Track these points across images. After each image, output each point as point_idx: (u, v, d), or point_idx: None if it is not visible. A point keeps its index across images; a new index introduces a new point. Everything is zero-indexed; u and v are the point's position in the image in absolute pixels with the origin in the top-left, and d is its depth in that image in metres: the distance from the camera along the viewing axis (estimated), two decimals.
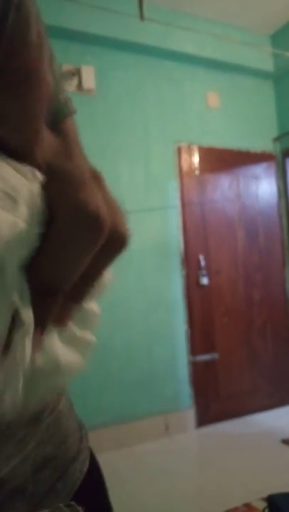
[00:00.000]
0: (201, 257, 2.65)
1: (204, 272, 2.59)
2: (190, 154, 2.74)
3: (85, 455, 0.40)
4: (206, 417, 2.57)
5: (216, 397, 2.67)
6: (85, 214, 0.19)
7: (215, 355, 2.68)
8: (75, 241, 0.19)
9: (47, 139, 0.22)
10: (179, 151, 2.71)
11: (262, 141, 3.02)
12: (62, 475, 0.36)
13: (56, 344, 0.21)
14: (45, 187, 0.20)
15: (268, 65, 2.96)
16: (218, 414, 2.64)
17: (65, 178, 0.20)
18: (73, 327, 0.23)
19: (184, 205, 2.67)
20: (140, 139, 2.60)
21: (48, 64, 0.23)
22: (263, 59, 2.93)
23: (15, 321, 0.18)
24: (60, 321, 0.22)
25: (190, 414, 2.58)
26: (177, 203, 2.67)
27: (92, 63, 2.48)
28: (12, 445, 0.30)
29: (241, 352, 2.81)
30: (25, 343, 0.19)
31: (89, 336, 0.24)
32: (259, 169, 2.99)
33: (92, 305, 0.25)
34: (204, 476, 2.00)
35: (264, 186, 3.01)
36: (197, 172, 2.75)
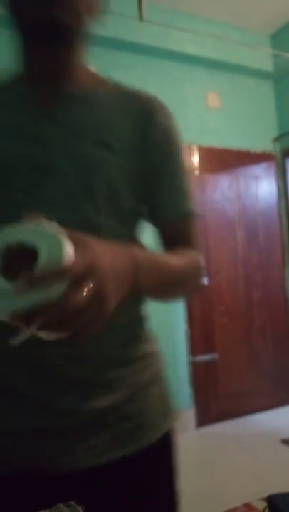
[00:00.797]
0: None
1: (204, 271, 2.59)
2: (190, 154, 2.74)
3: (170, 423, 0.57)
4: (205, 417, 2.57)
5: (216, 397, 2.67)
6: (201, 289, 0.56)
7: (215, 355, 2.68)
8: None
9: None
10: None
11: (262, 141, 3.02)
12: (142, 423, 0.50)
13: None
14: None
15: (267, 65, 2.96)
16: (218, 414, 2.64)
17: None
18: None
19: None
20: None
21: None
22: (262, 59, 2.93)
23: None
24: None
25: (190, 414, 2.58)
26: None
27: (91, 63, 2.47)
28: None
29: (241, 352, 2.81)
30: None
31: None
32: (259, 169, 2.99)
33: None
34: (204, 476, 2.00)
35: (264, 186, 3.01)
36: (197, 172, 2.75)
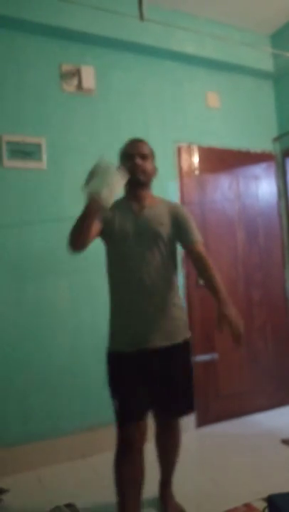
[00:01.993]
0: None
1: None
2: (190, 154, 2.74)
3: (188, 335, 1.58)
4: (205, 417, 2.57)
5: (216, 398, 2.67)
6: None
7: (215, 356, 2.68)
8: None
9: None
10: (179, 151, 2.71)
11: (262, 141, 3.02)
12: (177, 332, 1.54)
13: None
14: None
15: (267, 65, 2.96)
16: (218, 415, 2.64)
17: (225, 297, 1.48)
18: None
19: (184, 205, 2.67)
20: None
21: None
22: (262, 59, 2.94)
23: None
24: None
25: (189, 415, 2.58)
26: (178, 202, 2.67)
27: (92, 63, 2.48)
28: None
29: (241, 352, 2.82)
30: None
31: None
32: (259, 169, 3.00)
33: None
34: (204, 476, 2.00)
35: (264, 186, 3.01)
36: (197, 172, 2.76)
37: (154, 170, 1.62)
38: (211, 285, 1.49)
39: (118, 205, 1.54)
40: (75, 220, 1.41)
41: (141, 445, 1.47)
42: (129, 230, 1.51)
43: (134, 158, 1.54)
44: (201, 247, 1.58)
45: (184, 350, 1.55)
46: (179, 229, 1.57)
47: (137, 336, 1.48)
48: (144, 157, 1.56)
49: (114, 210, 1.50)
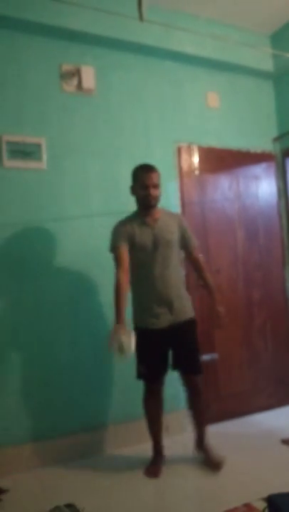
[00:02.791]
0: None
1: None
2: (190, 154, 2.75)
3: (193, 314, 2.09)
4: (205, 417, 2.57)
5: (216, 397, 2.67)
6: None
7: (215, 356, 2.69)
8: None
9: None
10: (179, 151, 2.72)
11: (262, 141, 3.03)
12: (184, 311, 2.05)
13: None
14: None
15: (267, 65, 2.97)
16: (217, 414, 2.64)
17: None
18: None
19: (184, 205, 2.68)
20: (140, 139, 2.61)
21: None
22: (262, 59, 2.94)
23: None
24: None
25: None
26: (177, 202, 2.68)
27: (92, 63, 2.49)
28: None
29: (241, 352, 2.82)
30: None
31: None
32: (259, 169, 3.01)
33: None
34: (204, 475, 2.00)
35: (264, 186, 3.02)
36: (197, 172, 2.77)
37: (160, 191, 2.06)
38: (206, 285, 2.16)
39: (134, 221, 2.03)
40: (117, 291, 1.94)
41: (160, 392, 2.11)
42: (147, 241, 1.98)
43: (149, 190, 1.98)
44: (197, 252, 2.15)
45: (192, 324, 2.08)
46: (183, 236, 2.08)
47: (159, 317, 2.00)
48: (155, 186, 1.99)
49: (132, 226, 2.00)
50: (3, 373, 2.17)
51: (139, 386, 2.48)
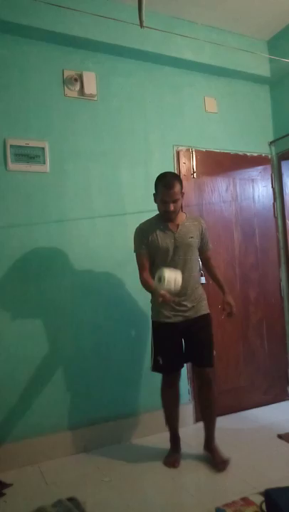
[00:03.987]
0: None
1: (202, 271, 2.65)
2: (188, 158, 2.80)
3: (207, 311, 2.17)
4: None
5: None
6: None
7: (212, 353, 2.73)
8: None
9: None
10: (178, 154, 2.77)
11: (258, 145, 3.07)
12: (200, 308, 2.13)
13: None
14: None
15: (264, 70, 3.00)
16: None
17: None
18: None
19: (182, 207, 2.72)
20: (140, 143, 2.65)
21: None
22: (259, 64, 2.97)
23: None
24: None
25: (188, 410, 2.64)
26: None
27: (93, 69, 2.53)
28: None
29: (238, 349, 2.88)
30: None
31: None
32: (255, 172, 3.06)
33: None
34: (202, 470, 2.03)
35: (260, 188, 3.07)
36: (195, 175, 2.81)
37: (182, 198, 2.12)
38: (217, 279, 2.29)
39: (157, 226, 2.10)
40: (144, 284, 2.08)
41: (177, 383, 2.21)
42: (169, 245, 2.07)
43: (169, 206, 2.03)
44: (211, 254, 2.31)
45: (207, 319, 2.17)
46: (201, 240, 2.19)
47: (177, 312, 2.09)
48: (175, 201, 2.04)
49: (153, 230, 2.09)
50: (7, 370, 2.21)
51: (140, 382, 2.53)
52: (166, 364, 2.11)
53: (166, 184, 2.02)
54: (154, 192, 2.11)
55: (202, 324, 2.12)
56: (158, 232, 2.08)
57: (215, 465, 2.05)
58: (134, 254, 2.13)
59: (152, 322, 2.16)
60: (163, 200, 2.04)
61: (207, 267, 2.32)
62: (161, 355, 2.10)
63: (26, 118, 2.34)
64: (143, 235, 2.10)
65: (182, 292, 2.03)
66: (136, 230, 2.14)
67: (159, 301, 1.91)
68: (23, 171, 2.30)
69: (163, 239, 2.07)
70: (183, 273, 2.01)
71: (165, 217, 2.09)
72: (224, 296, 2.21)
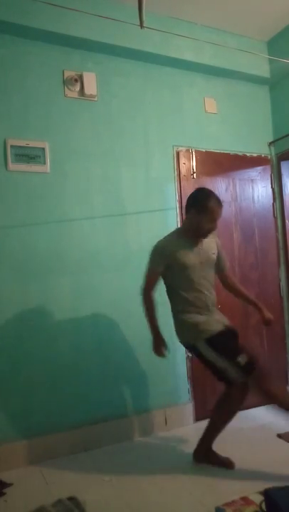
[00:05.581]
0: None
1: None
2: (188, 158, 2.81)
3: (225, 322, 2.07)
4: (203, 411, 2.62)
5: (214, 392, 2.69)
6: None
7: None
8: None
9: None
10: (178, 155, 2.78)
11: (258, 146, 3.08)
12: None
13: None
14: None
15: (264, 71, 3.01)
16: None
17: None
18: None
19: (182, 207, 2.73)
20: (140, 144, 2.66)
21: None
22: (259, 65, 2.98)
23: None
24: None
25: (188, 409, 2.64)
26: (176, 204, 2.73)
27: (93, 70, 2.54)
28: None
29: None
30: None
31: None
32: (255, 172, 3.06)
33: None
34: (202, 469, 2.03)
35: (260, 189, 3.08)
36: (195, 175, 2.82)
37: None
38: (248, 299, 2.24)
39: (181, 243, 2.03)
40: (148, 307, 2.06)
41: None
42: (195, 261, 2.02)
43: (216, 224, 2.03)
44: (229, 272, 2.28)
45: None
46: (219, 256, 2.16)
47: (215, 320, 2.04)
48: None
49: (181, 248, 2.01)
50: (7, 370, 2.21)
51: (140, 381, 2.52)
52: (249, 360, 1.90)
53: (219, 202, 2.00)
54: (194, 206, 2.01)
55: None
56: (185, 250, 2.01)
57: (225, 464, 2.03)
58: (147, 269, 2.05)
59: (207, 340, 1.95)
60: (213, 218, 1.99)
61: (229, 286, 2.24)
62: (240, 354, 1.90)
63: (27, 118, 2.34)
64: (165, 253, 2.01)
65: (210, 305, 2.03)
66: (157, 247, 2.04)
67: (153, 349, 2.04)
68: (23, 171, 2.31)
69: (190, 257, 2.00)
70: (209, 291, 2.02)
71: (201, 235, 2.03)
72: (263, 314, 2.13)
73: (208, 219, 1.99)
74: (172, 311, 2.09)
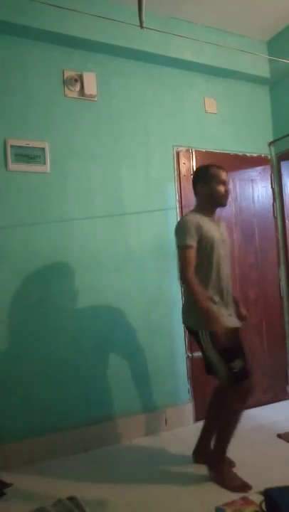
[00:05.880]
0: None
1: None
2: (188, 158, 2.81)
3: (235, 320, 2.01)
4: (203, 411, 2.62)
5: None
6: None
7: None
8: None
9: None
10: (178, 155, 2.78)
11: (258, 146, 3.08)
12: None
13: None
14: None
15: (264, 71, 3.02)
16: None
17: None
18: None
19: (182, 207, 2.74)
20: (140, 144, 2.66)
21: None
22: (259, 65, 2.99)
23: None
24: None
25: (188, 409, 2.65)
26: (176, 204, 2.73)
27: (93, 70, 2.54)
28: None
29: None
30: None
31: None
32: (255, 172, 3.07)
33: None
34: (202, 469, 2.04)
35: (260, 189, 3.08)
36: None
37: None
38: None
39: (204, 219, 1.94)
40: (194, 289, 1.83)
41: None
42: (218, 239, 1.94)
43: (227, 186, 1.98)
44: None
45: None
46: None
47: (227, 315, 1.94)
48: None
49: (207, 222, 1.93)
50: (8, 369, 2.22)
51: (140, 381, 2.52)
52: (247, 365, 1.89)
53: (220, 167, 2.00)
54: (200, 179, 2.00)
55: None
56: (209, 224, 1.94)
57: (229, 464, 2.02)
58: (182, 248, 1.87)
59: (205, 332, 1.87)
60: (221, 180, 1.96)
61: None
62: (238, 358, 1.87)
63: (27, 118, 2.35)
64: (197, 226, 1.87)
65: (230, 292, 1.98)
66: (187, 221, 1.90)
67: (212, 324, 1.78)
68: (23, 171, 2.31)
69: (215, 232, 1.93)
70: (228, 277, 1.96)
71: (220, 201, 1.97)
72: (239, 308, 2.10)
73: (217, 182, 1.96)
74: (186, 290, 1.96)
